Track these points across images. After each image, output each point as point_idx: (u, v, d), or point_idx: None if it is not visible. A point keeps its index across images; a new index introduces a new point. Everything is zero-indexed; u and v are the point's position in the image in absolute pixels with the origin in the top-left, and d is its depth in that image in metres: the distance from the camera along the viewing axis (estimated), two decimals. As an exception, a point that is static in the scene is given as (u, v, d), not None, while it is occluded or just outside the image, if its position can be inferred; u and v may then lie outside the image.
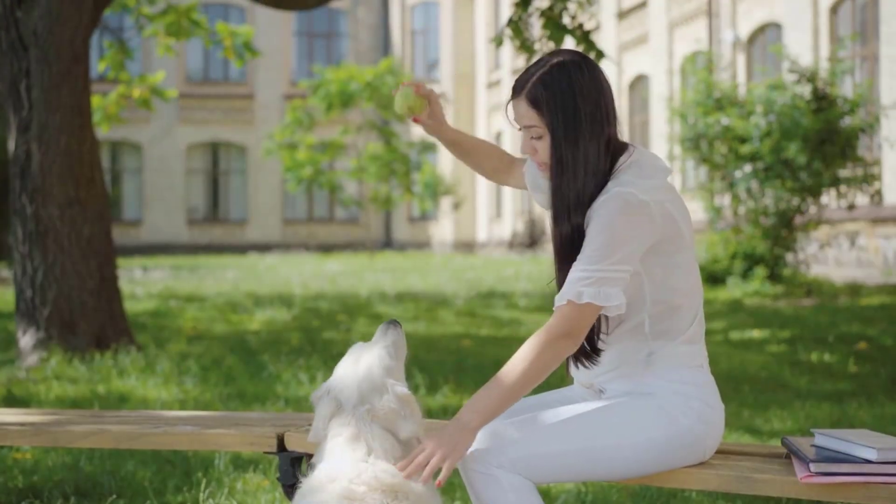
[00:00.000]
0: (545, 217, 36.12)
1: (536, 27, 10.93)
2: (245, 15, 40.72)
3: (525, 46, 10.18)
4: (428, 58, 43.05)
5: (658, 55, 28.18)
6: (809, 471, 2.68)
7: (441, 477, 2.76)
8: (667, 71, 27.69)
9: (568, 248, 2.99)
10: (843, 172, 16.10)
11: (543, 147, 3.02)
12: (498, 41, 10.13)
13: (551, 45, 10.43)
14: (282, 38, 42.38)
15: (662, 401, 2.94)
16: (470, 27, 41.83)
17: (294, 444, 3.32)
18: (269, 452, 3.34)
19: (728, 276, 16.13)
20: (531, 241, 36.59)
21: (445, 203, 39.35)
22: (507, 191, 38.98)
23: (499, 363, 8.95)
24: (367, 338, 9.91)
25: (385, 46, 43.51)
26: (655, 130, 26.92)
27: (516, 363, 2.86)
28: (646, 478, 2.91)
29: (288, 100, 40.69)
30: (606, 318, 2.99)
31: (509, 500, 2.83)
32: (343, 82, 33.89)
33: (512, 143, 38.61)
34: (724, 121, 15.82)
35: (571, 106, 2.97)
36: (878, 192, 17.50)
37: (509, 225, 38.76)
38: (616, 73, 30.25)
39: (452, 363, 9.03)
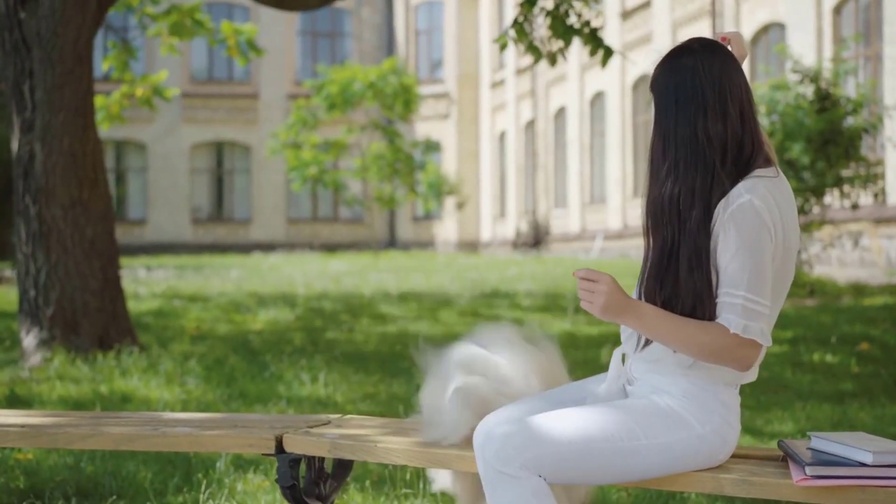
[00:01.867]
0: (549, 217, 36.14)
1: (542, 27, 10.88)
2: (249, 14, 40.76)
3: (532, 47, 10.12)
4: (432, 57, 43.07)
5: (662, 55, 28.12)
6: (805, 474, 2.69)
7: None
8: (670, 71, 27.64)
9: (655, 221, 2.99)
10: (846, 172, 16.09)
11: None
12: (502, 43, 10.07)
13: (559, 46, 10.39)
14: (286, 38, 42.42)
15: (685, 409, 2.95)
16: (474, 27, 41.83)
17: (293, 446, 3.32)
18: (268, 454, 3.34)
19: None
20: (535, 240, 36.60)
21: (449, 203, 39.37)
22: (511, 190, 39.00)
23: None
24: (369, 338, 9.88)
25: (389, 46, 43.54)
26: (659, 130, 26.88)
27: (693, 334, 2.86)
28: (645, 480, 2.92)
29: (292, 99, 40.75)
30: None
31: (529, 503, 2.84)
32: (344, 82, 33.90)
33: (516, 143, 38.63)
34: (728, 121, 15.78)
35: (672, 89, 3.02)
36: (882, 192, 17.49)
37: (513, 224, 38.77)
38: (620, 72, 30.25)
39: (454, 363, 9.02)
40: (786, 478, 2.77)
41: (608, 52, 10.13)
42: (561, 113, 35.71)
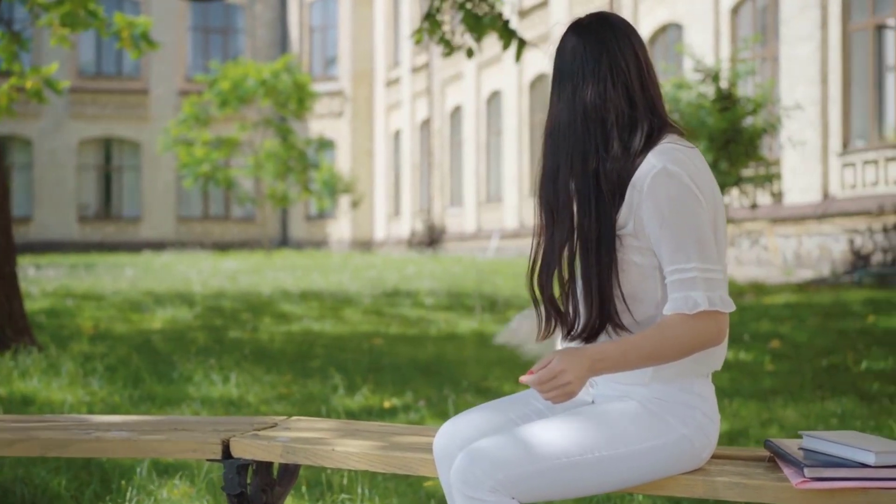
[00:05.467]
0: (444, 216, 36.02)
1: (454, 21, 10.73)
2: (140, 8, 39.96)
3: (444, 41, 9.96)
4: (326, 55, 42.68)
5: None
6: (804, 476, 2.53)
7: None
8: (568, 70, 27.74)
9: (549, 216, 2.81)
10: (746, 172, 16.23)
11: None
12: (418, 37, 9.88)
13: (468, 41, 10.26)
14: (177, 33, 41.66)
15: (664, 410, 2.74)
16: (369, 24, 41.55)
17: (240, 451, 3.07)
18: (213, 460, 3.08)
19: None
20: (430, 239, 36.46)
21: (343, 201, 39.07)
22: (406, 189, 38.81)
23: (415, 362, 8.80)
24: (274, 337, 9.62)
25: (283, 43, 43.04)
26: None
27: (666, 338, 2.64)
28: (629, 487, 2.73)
29: (183, 95, 40.06)
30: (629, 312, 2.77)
31: None
32: (237, 79, 33.42)
33: (411, 141, 38.45)
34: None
35: (558, 64, 2.86)
36: (779, 192, 17.69)
37: (408, 224, 38.59)
38: (517, 71, 30.25)
39: (367, 362, 8.83)
40: (780, 480, 2.60)
41: (521, 44, 10.00)
42: (457, 112, 35.62)
